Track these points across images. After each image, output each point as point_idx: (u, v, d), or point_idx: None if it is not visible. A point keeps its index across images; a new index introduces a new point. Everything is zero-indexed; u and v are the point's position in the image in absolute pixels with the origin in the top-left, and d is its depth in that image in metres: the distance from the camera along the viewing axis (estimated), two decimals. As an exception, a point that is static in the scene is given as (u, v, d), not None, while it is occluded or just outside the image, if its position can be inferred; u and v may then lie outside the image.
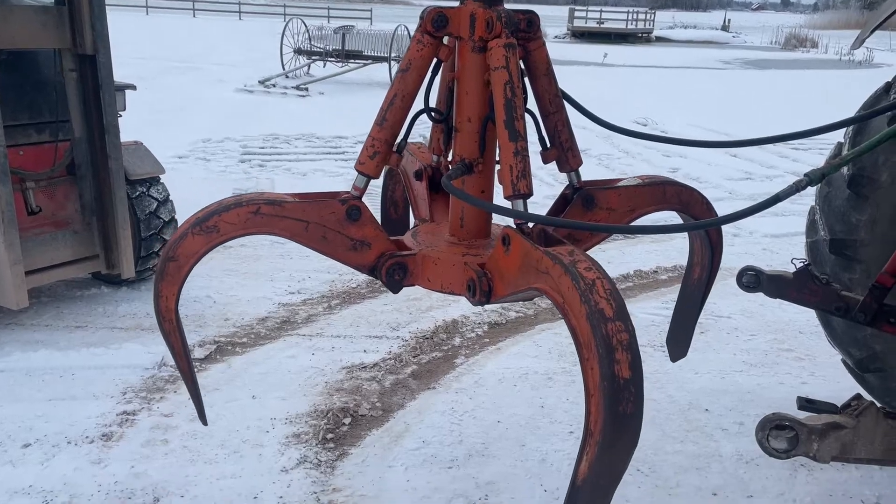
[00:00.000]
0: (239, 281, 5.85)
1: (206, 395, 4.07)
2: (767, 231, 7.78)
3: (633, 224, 3.11)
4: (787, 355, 4.96)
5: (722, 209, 9.00)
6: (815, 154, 11.70)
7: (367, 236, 2.77)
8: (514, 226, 2.54)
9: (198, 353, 4.57)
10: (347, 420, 3.91)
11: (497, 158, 2.92)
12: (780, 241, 7.55)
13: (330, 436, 3.76)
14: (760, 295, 3.67)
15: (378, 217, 3.11)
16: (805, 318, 5.44)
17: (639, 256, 6.85)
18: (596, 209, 3.03)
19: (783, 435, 2.65)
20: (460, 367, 4.58)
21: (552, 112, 2.89)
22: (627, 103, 16.67)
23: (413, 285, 2.95)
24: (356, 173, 2.82)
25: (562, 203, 3.06)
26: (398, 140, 2.87)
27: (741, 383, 4.53)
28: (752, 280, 3.72)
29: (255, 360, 4.56)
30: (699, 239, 3.47)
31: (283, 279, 5.93)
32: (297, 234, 2.71)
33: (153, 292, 2.70)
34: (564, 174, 3.04)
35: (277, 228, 2.68)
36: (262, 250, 6.64)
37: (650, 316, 5.49)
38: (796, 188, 2.55)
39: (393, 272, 2.83)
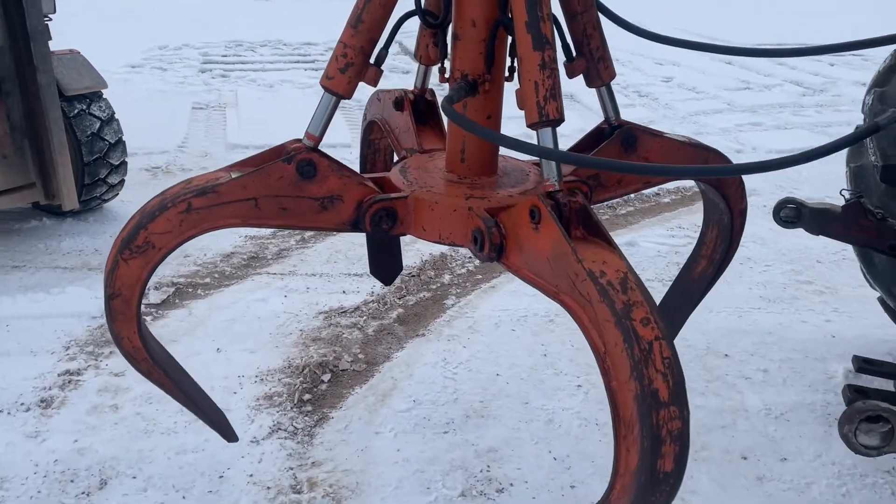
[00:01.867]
0: (200, 209, 5.24)
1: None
2: (773, 146, 7.26)
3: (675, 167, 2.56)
4: (807, 288, 4.54)
5: (723, 122, 8.53)
6: (814, 62, 11.08)
7: (334, 189, 2.21)
8: (546, 192, 1.99)
9: (153, 298, 4.02)
10: (327, 377, 3.43)
11: (507, 75, 2.34)
12: (786, 157, 7.03)
13: (307, 396, 3.29)
14: (770, 218, 3.22)
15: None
16: (821, 246, 5.01)
17: (638, 176, 6.31)
18: (633, 155, 2.48)
19: (876, 430, 2.18)
20: (451, 310, 4.09)
21: (580, 11, 2.29)
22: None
23: (404, 234, 2.40)
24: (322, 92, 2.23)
25: (593, 139, 2.51)
26: (377, 49, 2.26)
27: (760, 322, 4.11)
28: (793, 214, 3.23)
29: (219, 304, 4.03)
30: (717, 229, 2.93)
31: (249, 207, 5.33)
32: (249, 217, 2.16)
33: (111, 335, 2.22)
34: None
35: (222, 219, 2.14)
36: (225, 173, 6.00)
37: (655, 245, 5.02)
38: (868, 132, 2.04)
39: (380, 220, 2.28)
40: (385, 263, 3.34)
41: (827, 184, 6.30)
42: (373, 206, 2.26)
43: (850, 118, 8.37)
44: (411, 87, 2.87)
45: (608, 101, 2.47)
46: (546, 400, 3.35)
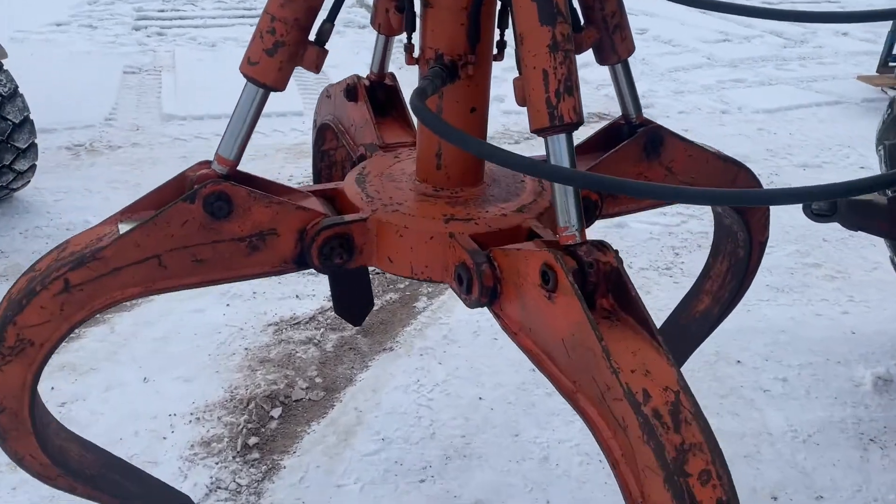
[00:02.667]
0: (129, 196, 4.53)
1: (78, 380, 3.04)
2: (759, 106, 6.76)
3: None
4: (816, 273, 4.08)
5: (704, 79, 7.88)
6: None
7: (263, 222, 1.64)
8: (564, 246, 1.46)
9: (68, 313, 3.38)
10: (277, 411, 2.87)
11: (495, 54, 1.76)
12: (776, 118, 6.55)
13: (253, 440, 2.73)
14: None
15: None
16: (832, 226, 4.55)
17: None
18: (656, 161, 1.94)
19: None
20: (423, 315, 3.54)
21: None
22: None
23: (364, 266, 1.83)
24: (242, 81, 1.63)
25: (606, 138, 1.95)
26: (319, 21, 1.66)
27: (771, 318, 3.64)
28: (827, 207, 2.72)
29: (147, 317, 3.41)
30: (728, 262, 2.42)
31: (186, 191, 4.66)
32: (154, 281, 1.61)
33: (9, 457, 1.74)
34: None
35: (117, 290, 1.59)
36: (159, 150, 5.30)
37: (646, 226, 4.50)
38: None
39: (331, 252, 1.71)
40: (351, 299, 2.74)
41: (822, 149, 5.86)
42: (320, 235, 1.69)
43: (835, 72, 7.91)
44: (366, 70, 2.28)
45: (626, 88, 1.90)
46: (539, 430, 2.85)
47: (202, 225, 1.58)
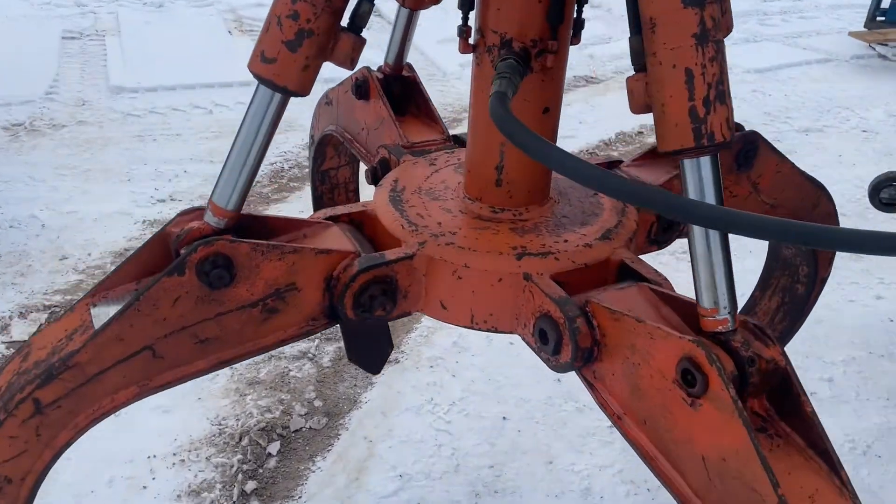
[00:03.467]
0: (79, 185, 4.03)
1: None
2: (749, 65, 6.44)
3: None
4: (840, 254, 3.80)
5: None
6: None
7: (277, 277, 1.25)
8: (712, 333, 1.12)
9: (17, 332, 2.92)
10: (275, 447, 2.48)
11: (573, 38, 1.36)
12: (767, 78, 6.25)
13: (251, 485, 2.34)
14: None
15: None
16: (838, 190, 4.29)
17: (613, 109, 5.39)
18: (745, 175, 1.61)
19: None
20: (427, 318, 3.15)
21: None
22: None
23: (408, 314, 1.44)
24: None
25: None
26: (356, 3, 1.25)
27: (802, 306, 3.35)
28: (898, 195, 2.41)
29: (113, 334, 2.96)
30: (781, 299, 2.19)
31: (145, 177, 4.16)
32: (149, 379, 1.26)
33: None
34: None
35: (105, 399, 1.24)
36: (110, 129, 4.74)
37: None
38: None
39: (371, 303, 1.32)
40: (369, 343, 2.28)
41: (820, 112, 5.59)
42: (356, 282, 1.29)
43: (818, 26, 7.64)
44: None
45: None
46: (575, 455, 2.52)
47: (200, 299, 1.19)
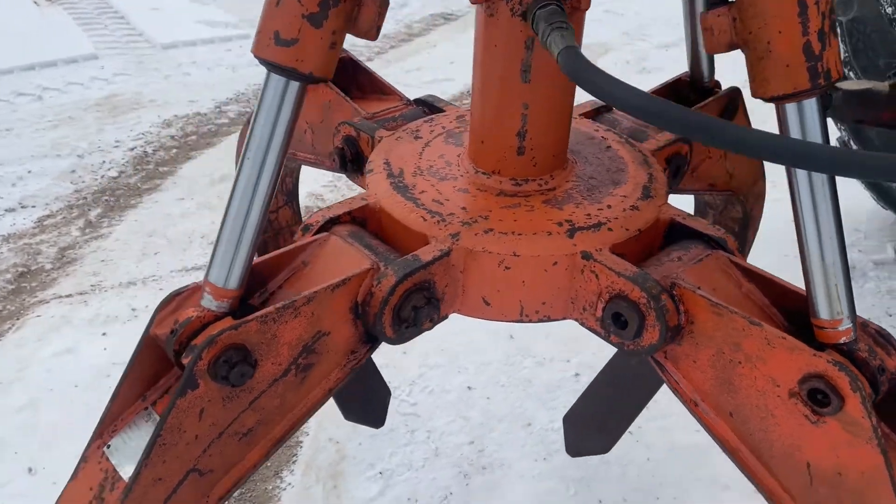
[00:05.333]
0: None
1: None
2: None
3: None
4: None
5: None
6: None
7: (302, 335, 1.10)
8: (835, 345, 1.03)
9: None
10: (234, 472, 2.20)
11: None
12: (617, -3, 6.31)
13: (219, 522, 2.06)
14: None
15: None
16: None
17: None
18: None
19: None
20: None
21: None
22: None
23: (444, 318, 1.25)
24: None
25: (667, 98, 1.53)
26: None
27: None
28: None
29: (0, 377, 2.51)
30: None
31: (-18, 184, 3.55)
32: (206, 496, 1.09)
33: None
34: None
35: None
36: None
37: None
38: None
39: (415, 317, 1.12)
40: (363, 396, 1.94)
41: (672, 27, 5.71)
42: (394, 295, 1.08)
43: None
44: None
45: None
46: (549, 412, 2.44)
47: (226, 399, 0.99)
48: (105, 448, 1.07)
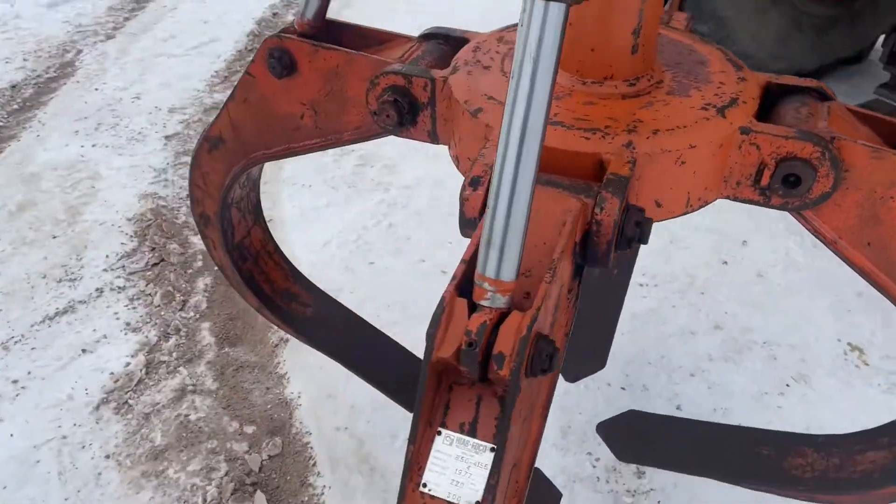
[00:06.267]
0: None
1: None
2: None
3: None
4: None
5: None
6: None
7: None
8: None
9: None
10: (262, 501, 1.97)
11: None
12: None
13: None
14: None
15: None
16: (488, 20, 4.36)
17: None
18: None
19: None
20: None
21: None
22: None
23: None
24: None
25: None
26: None
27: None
28: None
29: None
30: None
31: None
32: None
33: None
34: None
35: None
36: None
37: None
38: None
39: (643, 233, 1.11)
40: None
41: (485, 12, 5.29)
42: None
43: None
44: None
45: None
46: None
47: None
48: (421, 488, 0.94)
